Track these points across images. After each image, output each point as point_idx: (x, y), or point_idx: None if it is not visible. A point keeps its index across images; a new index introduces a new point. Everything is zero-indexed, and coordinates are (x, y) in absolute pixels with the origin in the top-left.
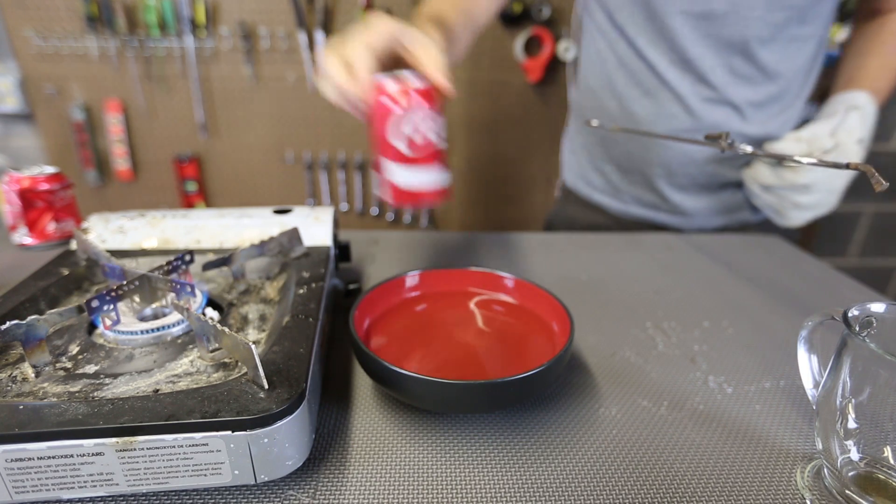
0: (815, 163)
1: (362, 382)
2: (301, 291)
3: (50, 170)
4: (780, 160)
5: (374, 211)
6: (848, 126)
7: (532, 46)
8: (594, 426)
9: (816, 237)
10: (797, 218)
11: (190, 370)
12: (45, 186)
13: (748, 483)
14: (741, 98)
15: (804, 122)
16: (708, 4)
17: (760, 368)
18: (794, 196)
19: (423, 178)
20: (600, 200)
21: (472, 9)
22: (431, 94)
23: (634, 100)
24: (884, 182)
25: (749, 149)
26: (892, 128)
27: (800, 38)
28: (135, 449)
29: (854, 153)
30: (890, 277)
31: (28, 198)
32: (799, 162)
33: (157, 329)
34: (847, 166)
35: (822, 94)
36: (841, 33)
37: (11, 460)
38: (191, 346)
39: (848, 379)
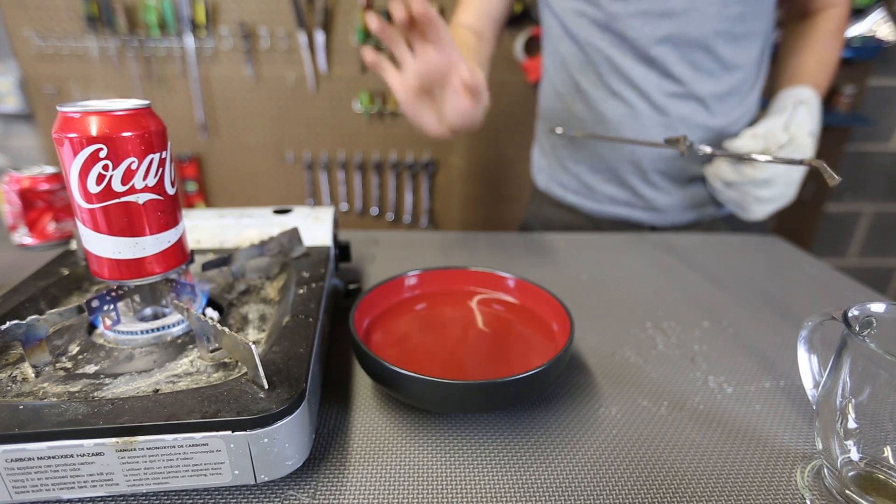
0: (772, 160)
1: (362, 382)
2: (301, 291)
3: (50, 170)
4: (740, 159)
5: (374, 211)
6: (798, 120)
7: (532, 46)
8: (594, 426)
9: (816, 237)
10: (759, 211)
11: (190, 370)
12: (45, 186)
13: (748, 483)
14: (705, 91)
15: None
16: (666, 4)
17: (760, 368)
18: (755, 191)
19: (124, 248)
20: (574, 201)
21: (492, 11)
22: (140, 124)
23: (602, 101)
24: (836, 177)
25: (708, 149)
26: (892, 128)
27: (752, 33)
28: (135, 449)
29: (807, 146)
30: (890, 277)
31: (28, 198)
32: (757, 160)
33: (157, 329)
34: (801, 162)
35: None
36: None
37: (11, 460)
38: (191, 346)
39: (848, 379)
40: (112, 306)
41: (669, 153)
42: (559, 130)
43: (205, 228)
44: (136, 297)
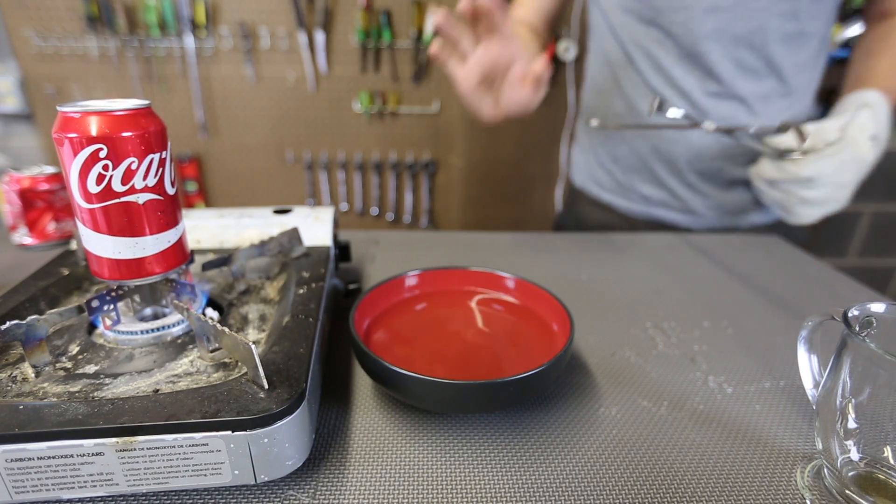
0: (767, 130)
1: (362, 382)
2: (301, 291)
3: (50, 170)
4: (728, 132)
5: (374, 211)
6: (859, 123)
7: None
8: (594, 426)
9: (816, 237)
10: (805, 215)
11: (190, 370)
12: (45, 186)
13: (748, 483)
14: (748, 91)
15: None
16: None
17: (760, 368)
18: (799, 191)
19: (124, 248)
20: (609, 199)
21: (546, 6)
22: (139, 124)
23: (640, 98)
24: (805, 137)
25: (712, 125)
26: (891, 128)
27: (806, 33)
28: (135, 449)
29: (866, 149)
30: (890, 277)
31: (28, 198)
32: (749, 133)
33: (157, 329)
34: (778, 128)
35: (827, 95)
36: (842, 33)
37: (11, 460)
38: (191, 346)
39: (848, 379)
40: (112, 306)
41: (707, 153)
42: (594, 122)
43: (205, 228)
44: (136, 297)
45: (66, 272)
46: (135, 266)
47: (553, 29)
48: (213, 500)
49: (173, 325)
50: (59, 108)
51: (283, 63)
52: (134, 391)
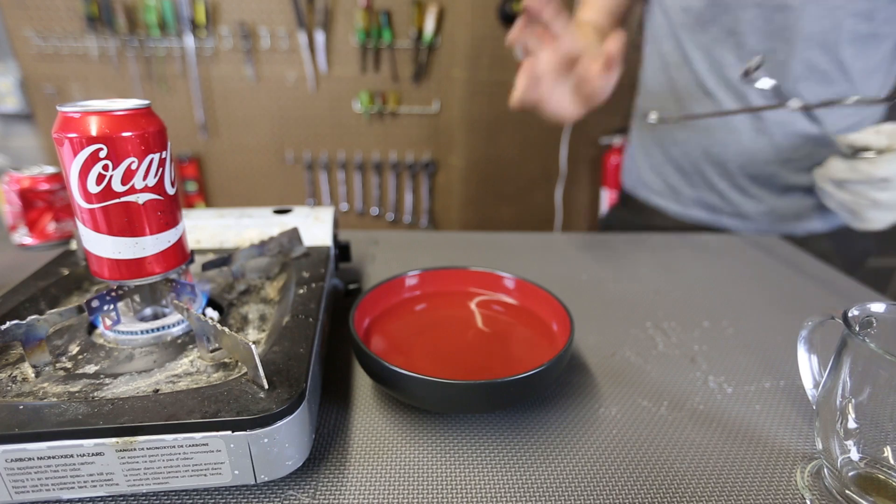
0: (868, 100)
1: (362, 382)
2: (301, 291)
3: (50, 170)
4: (806, 109)
5: (374, 211)
6: None
7: None
8: (594, 426)
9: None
10: (877, 219)
11: (190, 370)
12: (45, 186)
13: (748, 483)
14: (811, 96)
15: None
16: None
17: (760, 368)
18: (871, 192)
19: (124, 247)
20: (658, 203)
21: (612, 6)
22: (139, 124)
23: (695, 101)
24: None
25: (797, 103)
26: None
27: (880, 35)
28: (135, 449)
29: None
30: (890, 277)
31: (28, 198)
32: (848, 104)
33: (157, 329)
34: (887, 97)
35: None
36: None
37: (11, 460)
38: (191, 346)
39: (848, 379)
40: (112, 306)
41: (761, 157)
42: (653, 117)
43: (205, 228)
44: (136, 297)
45: (66, 272)
46: (135, 266)
47: (622, 26)
48: (213, 500)
49: (173, 325)
50: (59, 108)
51: (283, 63)
52: (134, 391)
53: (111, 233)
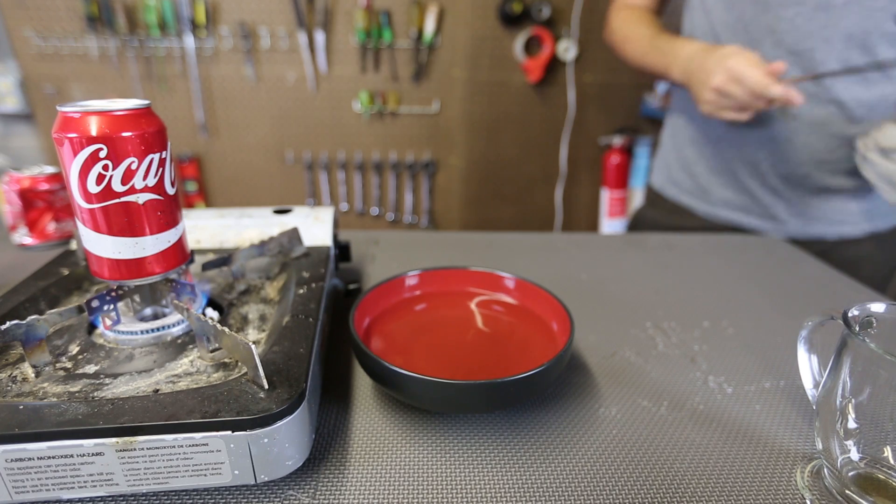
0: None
1: (362, 382)
2: (301, 291)
3: (50, 170)
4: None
5: (375, 211)
6: None
7: (532, 46)
8: (594, 426)
9: None
10: None
11: (190, 370)
12: (45, 186)
13: (748, 483)
14: (849, 96)
15: None
16: None
17: (760, 368)
18: None
19: (122, 247)
20: (688, 202)
21: None
22: (139, 124)
23: None
24: None
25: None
26: None
27: None
28: (135, 449)
29: None
30: (890, 277)
31: (28, 198)
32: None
33: (157, 329)
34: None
35: None
36: None
37: (11, 460)
38: (191, 346)
39: (848, 379)
40: (112, 306)
41: (795, 157)
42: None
43: (205, 228)
44: (136, 297)
45: (66, 272)
46: (135, 266)
47: (664, 7)
48: (213, 500)
49: (173, 325)
50: (59, 108)
51: (283, 63)
52: (134, 391)
53: (111, 233)
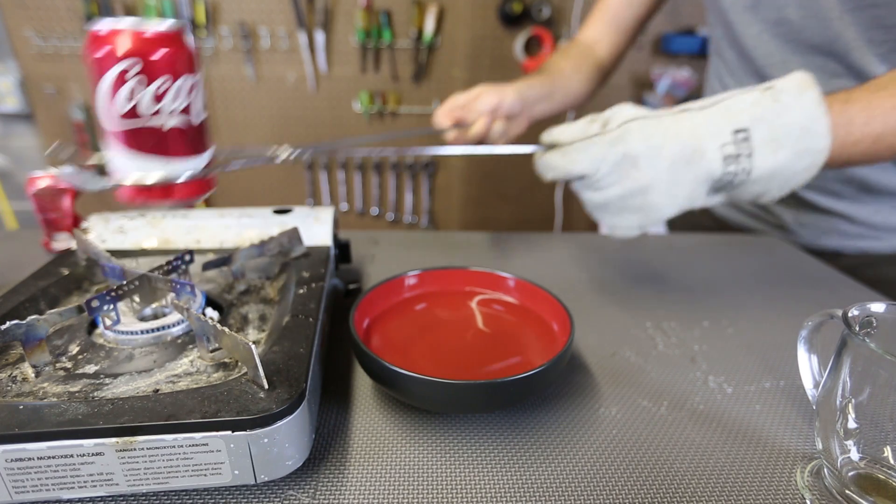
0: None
1: (362, 382)
2: (301, 291)
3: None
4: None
5: (374, 211)
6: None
7: (532, 46)
8: (594, 426)
9: None
10: (609, 225)
11: (190, 370)
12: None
13: (748, 483)
14: None
15: None
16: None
17: (760, 368)
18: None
19: (150, 168)
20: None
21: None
22: (169, 45)
23: None
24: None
25: None
26: None
27: None
28: (135, 449)
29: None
30: None
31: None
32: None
33: (157, 329)
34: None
35: None
36: None
37: (11, 460)
38: (191, 346)
39: (848, 379)
40: (112, 306)
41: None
42: None
43: (205, 228)
44: (136, 297)
45: (66, 272)
46: (161, 190)
47: (630, 40)
48: (213, 500)
49: (173, 325)
50: (88, 28)
51: (283, 63)
52: (134, 391)
53: (139, 154)
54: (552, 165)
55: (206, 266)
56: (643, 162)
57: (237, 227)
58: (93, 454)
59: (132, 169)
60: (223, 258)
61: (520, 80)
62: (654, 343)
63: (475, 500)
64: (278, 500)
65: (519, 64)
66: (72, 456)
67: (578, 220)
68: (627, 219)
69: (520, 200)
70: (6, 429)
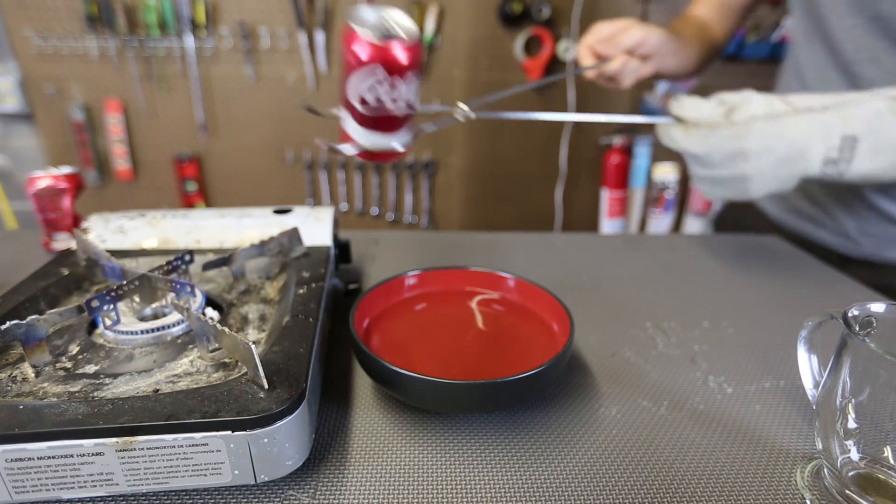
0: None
1: (362, 382)
2: (301, 291)
3: (67, 169)
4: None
5: (374, 211)
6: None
7: (532, 46)
8: (594, 426)
9: None
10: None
11: (190, 370)
12: (64, 185)
13: (748, 483)
14: None
15: None
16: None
17: (760, 368)
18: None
19: (377, 141)
20: (763, 205)
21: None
22: (409, 55)
23: None
24: None
25: None
26: None
27: None
28: (135, 449)
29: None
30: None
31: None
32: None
33: (157, 329)
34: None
35: None
36: None
37: (11, 460)
38: (191, 346)
39: (848, 379)
40: (112, 306)
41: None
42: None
43: (205, 228)
44: (136, 297)
45: (66, 272)
46: (381, 154)
47: (738, 20)
48: (213, 500)
49: (173, 325)
50: (349, 22)
51: (283, 63)
52: (134, 391)
53: (371, 130)
54: (673, 138)
55: (206, 266)
56: (753, 158)
57: (237, 227)
58: (93, 454)
59: (363, 139)
60: (223, 258)
61: (662, 26)
62: (654, 343)
63: (475, 500)
64: (278, 500)
65: (519, 64)
66: (72, 456)
67: (578, 220)
68: (722, 192)
69: (520, 200)
70: (6, 429)
